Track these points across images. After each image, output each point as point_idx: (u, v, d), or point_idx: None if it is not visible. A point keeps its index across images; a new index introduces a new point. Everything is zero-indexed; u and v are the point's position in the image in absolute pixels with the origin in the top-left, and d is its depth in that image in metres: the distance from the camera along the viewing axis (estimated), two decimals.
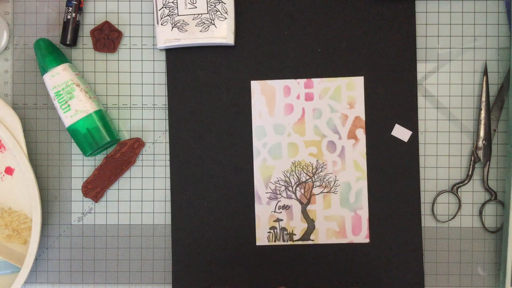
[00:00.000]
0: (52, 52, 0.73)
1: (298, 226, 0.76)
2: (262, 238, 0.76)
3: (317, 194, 0.76)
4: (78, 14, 0.75)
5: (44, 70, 0.73)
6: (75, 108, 0.72)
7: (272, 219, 0.76)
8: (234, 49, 0.76)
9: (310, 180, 0.76)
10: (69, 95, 0.72)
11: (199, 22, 0.74)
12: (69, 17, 0.75)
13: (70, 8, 0.75)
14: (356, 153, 0.76)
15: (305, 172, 0.76)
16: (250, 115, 0.76)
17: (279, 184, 0.76)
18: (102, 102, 0.77)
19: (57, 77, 0.72)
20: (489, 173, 0.76)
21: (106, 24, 0.76)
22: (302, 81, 0.76)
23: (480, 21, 0.76)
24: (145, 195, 0.77)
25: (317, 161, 0.76)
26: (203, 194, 0.76)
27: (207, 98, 0.76)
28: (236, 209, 0.76)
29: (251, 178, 0.76)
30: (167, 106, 0.77)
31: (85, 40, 0.77)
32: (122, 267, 0.77)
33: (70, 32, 0.75)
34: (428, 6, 0.76)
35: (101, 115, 0.73)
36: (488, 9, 0.76)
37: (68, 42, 0.75)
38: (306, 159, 0.76)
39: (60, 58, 0.73)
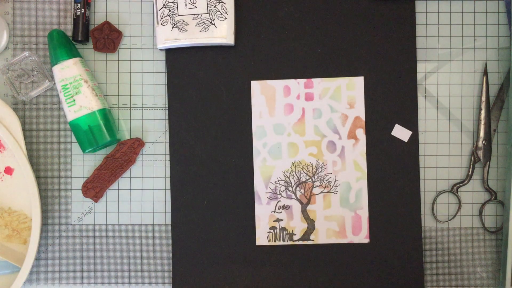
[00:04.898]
0: (65, 45, 0.73)
1: (298, 226, 0.76)
2: (262, 238, 0.76)
3: (317, 194, 0.76)
4: (87, 10, 0.75)
5: (54, 62, 0.73)
6: (80, 104, 0.72)
7: (272, 219, 0.76)
8: (234, 49, 0.76)
9: (310, 180, 0.76)
10: (76, 90, 0.72)
11: (199, 22, 0.74)
12: (78, 13, 0.75)
13: (79, 4, 0.75)
14: (356, 153, 0.76)
15: (305, 172, 0.76)
16: (250, 115, 0.76)
17: (279, 184, 0.76)
18: None
19: (67, 70, 0.72)
20: (489, 173, 0.76)
21: (106, 24, 0.76)
22: (302, 81, 0.76)
23: (480, 21, 0.76)
24: (145, 195, 0.77)
25: (317, 161, 0.76)
26: (203, 194, 0.76)
27: (207, 98, 0.76)
28: (236, 209, 0.76)
29: (251, 178, 0.76)
30: (167, 106, 0.77)
31: None
32: (122, 267, 0.77)
33: (81, 28, 0.75)
34: (428, 6, 0.76)
35: (105, 114, 0.73)
36: (488, 9, 0.76)
37: (80, 39, 0.75)
38: (306, 159, 0.76)
39: (72, 52, 0.73)
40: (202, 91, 0.76)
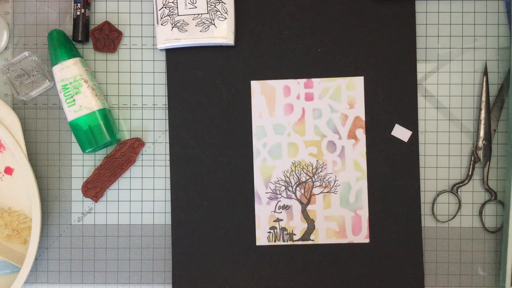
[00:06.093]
0: (65, 45, 0.73)
1: (298, 226, 0.76)
2: (262, 238, 0.76)
3: (317, 194, 0.76)
4: (87, 10, 0.75)
5: (54, 62, 0.73)
6: (80, 104, 0.72)
7: (272, 219, 0.76)
8: (234, 49, 0.76)
9: (310, 180, 0.76)
10: (76, 90, 0.72)
11: (199, 22, 0.74)
12: (78, 13, 0.75)
13: (79, 4, 0.75)
14: (356, 153, 0.76)
15: (305, 172, 0.76)
16: (250, 115, 0.76)
17: (279, 184, 0.76)
18: None
19: (67, 70, 0.72)
20: (489, 173, 0.76)
21: (106, 24, 0.76)
22: (302, 81, 0.76)
23: (480, 21, 0.76)
24: (145, 195, 0.77)
25: (317, 161, 0.76)
26: (203, 194, 0.76)
27: (207, 98, 0.76)
28: (236, 209, 0.76)
29: (251, 178, 0.76)
30: (167, 106, 0.77)
31: None
32: (122, 267, 0.77)
33: (81, 28, 0.75)
34: (428, 6, 0.76)
35: (105, 114, 0.73)
36: (488, 9, 0.76)
37: (80, 39, 0.75)
38: (306, 159, 0.76)
39: (72, 52, 0.73)
40: (202, 91, 0.76)
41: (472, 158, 0.76)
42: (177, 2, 0.74)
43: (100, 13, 0.77)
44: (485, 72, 0.76)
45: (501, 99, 0.76)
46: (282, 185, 0.76)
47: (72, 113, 0.72)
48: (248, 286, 0.76)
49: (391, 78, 0.76)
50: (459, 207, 0.76)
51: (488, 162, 0.75)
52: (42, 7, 0.77)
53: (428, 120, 0.76)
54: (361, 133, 0.76)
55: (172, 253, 0.76)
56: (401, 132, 0.76)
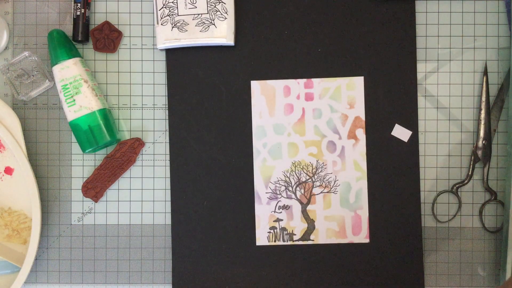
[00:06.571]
0: (65, 45, 0.73)
1: (298, 226, 0.76)
2: (262, 238, 0.76)
3: (317, 194, 0.76)
4: (87, 10, 0.75)
5: (54, 62, 0.73)
6: (80, 104, 0.72)
7: (272, 219, 0.76)
8: (234, 49, 0.76)
9: (310, 180, 0.76)
10: (76, 90, 0.72)
11: (199, 22, 0.74)
12: (78, 13, 0.75)
13: (79, 4, 0.75)
14: (356, 153, 0.76)
15: (305, 172, 0.76)
16: (250, 115, 0.76)
17: (279, 184, 0.76)
18: None
19: (67, 71, 0.72)
20: (489, 173, 0.76)
21: (106, 24, 0.76)
22: (302, 81, 0.76)
23: (480, 21, 0.76)
24: (145, 195, 0.77)
25: (317, 161, 0.76)
26: (203, 194, 0.76)
27: (207, 98, 0.76)
28: (236, 209, 0.76)
29: (251, 178, 0.76)
30: (167, 106, 0.77)
31: None
32: (122, 267, 0.77)
33: (81, 28, 0.75)
34: (428, 6, 0.76)
35: (105, 114, 0.73)
36: (488, 9, 0.76)
37: (80, 39, 0.75)
38: (306, 159, 0.76)
39: (72, 52, 0.73)
40: (202, 91, 0.76)
41: (472, 158, 0.76)
42: (177, 2, 0.74)
43: (100, 13, 0.77)
44: (485, 72, 0.76)
45: (501, 99, 0.76)
46: (282, 185, 0.76)
47: (72, 113, 0.72)
48: (248, 286, 0.76)
49: (391, 78, 0.76)
50: (459, 207, 0.76)
51: (488, 162, 0.75)
52: (42, 7, 0.77)
53: (428, 120, 0.76)
54: (361, 133, 0.76)
55: (172, 253, 0.76)
56: (401, 132, 0.76)
